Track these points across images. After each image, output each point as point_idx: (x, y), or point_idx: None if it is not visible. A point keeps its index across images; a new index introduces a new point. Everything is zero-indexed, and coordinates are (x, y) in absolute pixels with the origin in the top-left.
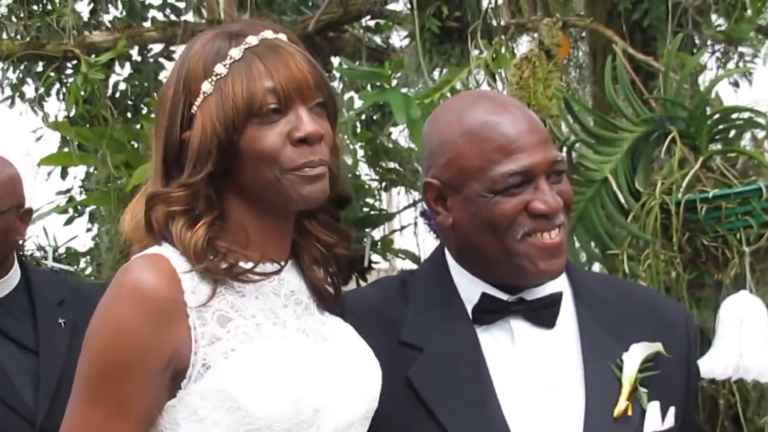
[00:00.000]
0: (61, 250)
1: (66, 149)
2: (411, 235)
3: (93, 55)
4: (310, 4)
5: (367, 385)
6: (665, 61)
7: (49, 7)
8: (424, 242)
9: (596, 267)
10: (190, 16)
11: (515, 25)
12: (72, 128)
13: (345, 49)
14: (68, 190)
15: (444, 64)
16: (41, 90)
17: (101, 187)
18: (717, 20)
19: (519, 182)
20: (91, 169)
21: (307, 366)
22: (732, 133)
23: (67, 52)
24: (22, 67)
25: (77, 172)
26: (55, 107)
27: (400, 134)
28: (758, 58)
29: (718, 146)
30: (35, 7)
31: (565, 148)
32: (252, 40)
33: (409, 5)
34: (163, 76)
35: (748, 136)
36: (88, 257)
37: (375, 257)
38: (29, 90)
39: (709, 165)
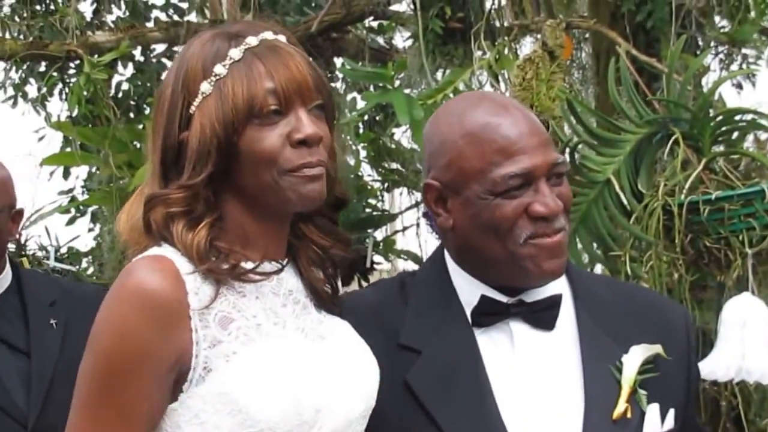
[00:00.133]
0: (63, 250)
1: (68, 149)
2: (413, 236)
3: (96, 55)
4: (313, 4)
5: (365, 384)
6: (668, 62)
7: (52, 7)
8: (426, 243)
9: (598, 268)
10: (193, 17)
11: (518, 26)
12: (74, 128)
13: (348, 49)
14: (70, 190)
15: (447, 65)
16: (44, 90)
17: (103, 187)
18: (720, 22)
19: (519, 184)
20: (94, 169)
21: (307, 367)
22: (735, 134)
23: (70, 52)
24: (24, 67)
25: (79, 172)
26: (58, 107)
27: (402, 135)
28: (761, 60)
29: (721, 148)
30: (38, 7)
31: (567, 150)
32: (252, 40)
33: (412, 6)
34: (165, 76)
35: (751, 137)
36: (90, 257)
37: (377, 258)
38: (32, 90)
39: (711, 167)
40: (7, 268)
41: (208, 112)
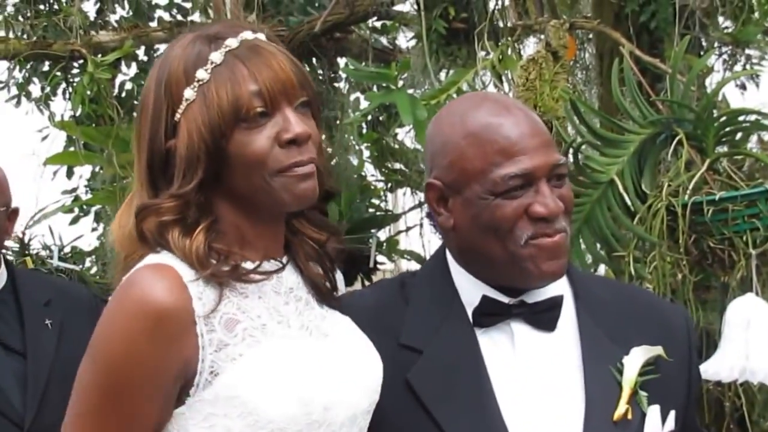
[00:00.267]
0: (67, 250)
1: (72, 149)
2: (416, 236)
3: (99, 55)
4: (316, 4)
5: (370, 379)
6: (672, 63)
7: (56, 6)
8: (430, 243)
9: (602, 269)
10: (196, 16)
11: (522, 26)
12: (78, 128)
13: (351, 49)
14: (74, 190)
15: (450, 66)
16: (47, 89)
17: (107, 187)
18: (724, 22)
19: (520, 185)
20: (97, 169)
21: (313, 365)
22: (739, 135)
23: (74, 51)
24: (28, 67)
25: (83, 171)
26: (61, 107)
27: (406, 135)
28: (765, 61)
29: (725, 148)
30: (42, 7)
31: (571, 150)
32: (232, 42)
33: (415, 6)
34: (146, 82)
35: (754, 138)
36: (94, 257)
37: (380, 258)
38: (35, 89)
39: (715, 167)
40: (2, 267)
41: (194, 118)
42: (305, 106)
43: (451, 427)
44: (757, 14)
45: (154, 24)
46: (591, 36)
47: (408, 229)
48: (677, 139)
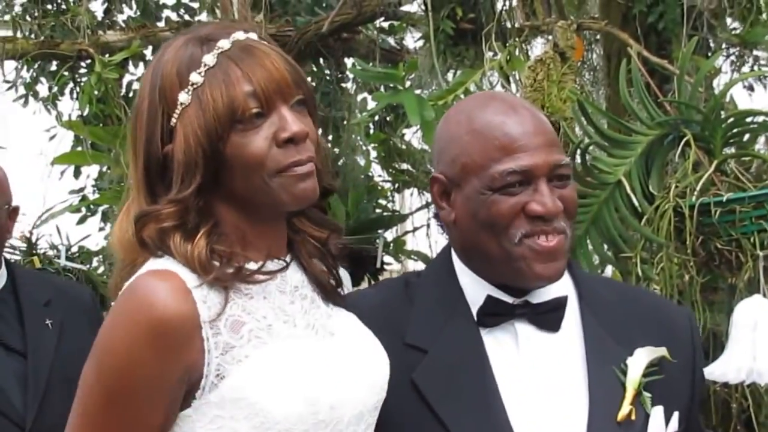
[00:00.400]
0: (74, 249)
1: (79, 148)
2: (423, 236)
3: (107, 55)
4: (324, 5)
5: (376, 376)
6: (680, 64)
7: (64, 6)
8: (437, 244)
9: (609, 270)
10: (204, 16)
11: (529, 27)
12: (85, 127)
13: (359, 50)
14: (81, 189)
15: (458, 66)
16: (55, 89)
17: (114, 187)
18: (732, 24)
19: (518, 182)
20: (104, 169)
21: (319, 364)
22: (746, 136)
23: (81, 51)
24: (36, 66)
25: (90, 171)
26: (69, 106)
27: (413, 136)
28: None
29: (733, 150)
30: (49, 7)
31: (578, 151)
32: (224, 43)
33: (423, 7)
34: (139, 88)
35: (762, 139)
36: (101, 256)
37: (387, 258)
38: (43, 89)
39: (723, 168)
40: (2, 267)
41: (189, 122)
42: (301, 105)
43: (456, 427)
44: (765, 15)
45: (161, 24)
46: (599, 37)
47: (415, 229)
48: (685, 140)
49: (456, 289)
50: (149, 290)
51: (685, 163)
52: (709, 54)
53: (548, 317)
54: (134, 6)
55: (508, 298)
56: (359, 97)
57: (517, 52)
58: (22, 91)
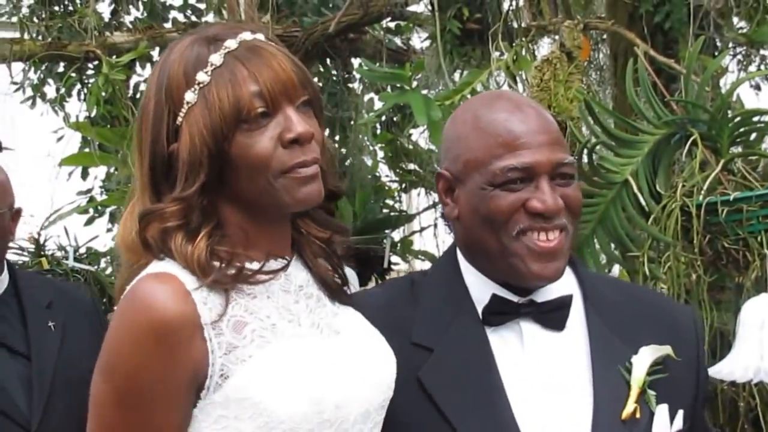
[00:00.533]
0: (82, 250)
1: (87, 150)
2: (431, 236)
3: (114, 56)
4: (330, 5)
5: (383, 375)
6: (686, 63)
7: (71, 8)
8: (444, 244)
9: (616, 269)
10: (210, 17)
11: (536, 27)
12: (93, 129)
13: (365, 50)
14: (89, 191)
15: (465, 66)
16: (62, 90)
17: (122, 188)
18: (738, 23)
19: (519, 178)
20: (112, 170)
21: (324, 363)
22: (753, 135)
23: (89, 52)
24: (43, 68)
25: (98, 172)
26: (76, 108)
27: (420, 136)
28: None
29: (740, 149)
30: (57, 8)
31: (585, 151)
32: (231, 43)
33: (429, 7)
34: (146, 87)
35: None
36: (109, 257)
37: (394, 259)
38: (50, 90)
39: (730, 168)
40: (4, 270)
41: (195, 121)
42: (307, 106)
43: (462, 425)
44: None
45: (168, 25)
46: (605, 36)
47: (422, 229)
48: (692, 139)
49: (461, 288)
50: (148, 293)
51: (692, 163)
52: (716, 53)
53: (553, 316)
54: (141, 7)
55: (513, 297)
56: (366, 98)
57: (523, 52)
58: (29, 92)
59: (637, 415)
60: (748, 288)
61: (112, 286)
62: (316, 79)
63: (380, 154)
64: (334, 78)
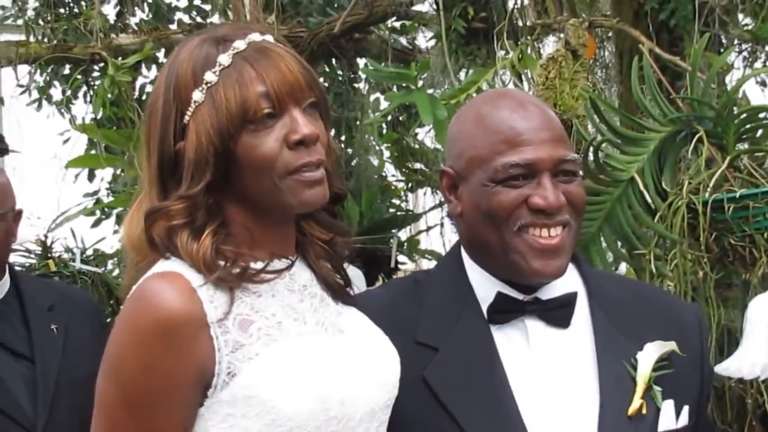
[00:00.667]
0: (89, 252)
1: (93, 151)
2: (437, 235)
3: (120, 58)
4: (335, 5)
5: (387, 374)
6: (692, 60)
7: (76, 10)
8: (450, 243)
9: (623, 267)
10: (216, 18)
11: (541, 25)
12: (99, 131)
13: (371, 50)
14: (95, 193)
15: (470, 65)
16: (68, 93)
17: (128, 189)
18: (744, 20)
19: (521, 175)
20: (118, 171)
21: (329, 361)
22: (759, 132)
23: (94, 54)
24: (49, 70)
25: (104, 174)
26: (83, 110)
27: (426, 135)
28: None
29: (746, 146)
30: (62, 11)
31: (591, 149)
32: (239, 44)
33: (434, 6)
34: (154, 86)
35: None
36: (116, 259)
37: (401, 258)
38: (56, 93)
39: (736, 164)
40: (6, 273)
41: (202, 120)
42: (313, 108)
43: (468, 423)
44: None
45: (173, 26)
46: (610, 34)
47: (429, 228)
48: (697, 136)
49: (466, 286)
50: (154, 292)
51: (698, 160)
52: (722, 50)
53: (558, 313)
54: (146, 9)
55: (518, 295)
56: (372, 97)
57: (529, 51)
58: (35, 95)
59: (644, 411)
60: (754, 285)
61: (119, 288)
62: (321, 80)
63: (386, 153)
64: (340, 78)
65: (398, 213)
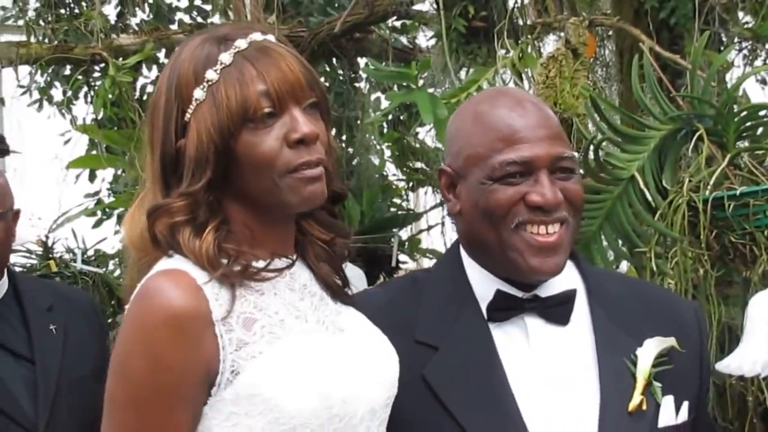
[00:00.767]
0: (90, 253)
1: (94, 152)
2: (438, 234)
3: (120, 58)
4: (336, 5)
5: (387, 373)
6: (692, 59)
7: (77, 10)
8: (451, 242)
9: (624, 265)
10: (216, 18)
11: (542, 24)
12: (100, 131)
13: (371, 49)
14: (96, 193)
15: (470, 64)
16: (69, 93)
17: (129, 190)
18: (744, 18)
19: (518, 172)
20: (119, 172)
21: (331, 359)
22: (760, 130)
23: (95, 55)
24: (50, 71)
25: (105, 174)
26: (83, 110)
27: (426, 134)
28: None
29: (746, 143)
30: (63, 11)
31: (592, 147)
32: (241, 43)
33: (435, 5)
34: (157, 85)
35: None
36: (117, 259)
37: (402, 257)
38: (57, 93)
39: (736, 162)
40: (4, 274)
41: (203, 118)
42: (314, 108)
43: (468, 421)
44: None
45: (174, 27)
46: (611, 33)
47: (430, 227)
48: (698, 134)
49: (465, 285)
50: (160, 290)
51: (698, 158)
52: (722, 48)
53: (557, 311)
54: (147, 9)
55: (517, 293)
56: (372, 97)
57: (529, 50)
58: (36, 95)
59: (644, 407)
60: (755, 282)
61: (121, 289)
62: (322, 79)
63: (387, 153)
64: (341, 77)
65: (399, 212)
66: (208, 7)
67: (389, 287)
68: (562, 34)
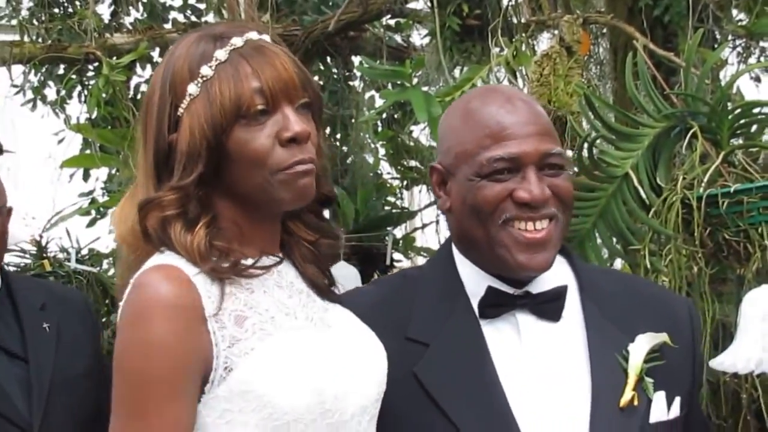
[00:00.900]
0: (84, 252)
1: (88, 151)
2: (433, 233)
3: (114, 57)
4: (330, 3)
5: (376, 369)
6: (686, 56)
7: (71, 9)
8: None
9: (618, 263)
10: (210, 17)
11: (536, 22)
12: (94, 130)
13: (365, 48)
14: (90, 192)
15: (465, 62)
16: (63, 92)
17: (123, 189)
18: (738, 15)
19: (505, 168)
20: (113, 171)
21: (322, 355)
22: (753, 127)
23: (89, 54)
24: (43, 70)
25: (99, 173)
26: (77, 109)
27: (421, 133)
28: None
29: (740, 141)
30: (56, 10)
31: (586, 145)
32: (237, 41)
33: (429, 3)
34: (151, 80)
35: None
36: (111, 258)
37: (396, 255)
38: (51, 92)
39: (730, 160)
40: None
41: (196, 113)
42: (306, 108)
43: (459, 418)
44: None
45: (168, 26)
46: (605, 31)
47: (424, 226)
48: (692, 132)
49: (456, 282)
50: (153, 283)
51: (692, 155)
52: (716, 46)
53: (549, 307)
54: (141, 8)
55: (508, 289)
56: (367, 95)
57: (523, 48)
58: (30, 95)
59: (635, 403)
60: (749, 279)
61: (115, 287)
62: (316, 78)
63: (381, 151)
64: (335, 76)
65: (393, 210)
66: (202, 6)
67: (381, 285)
68: (556, 32)
